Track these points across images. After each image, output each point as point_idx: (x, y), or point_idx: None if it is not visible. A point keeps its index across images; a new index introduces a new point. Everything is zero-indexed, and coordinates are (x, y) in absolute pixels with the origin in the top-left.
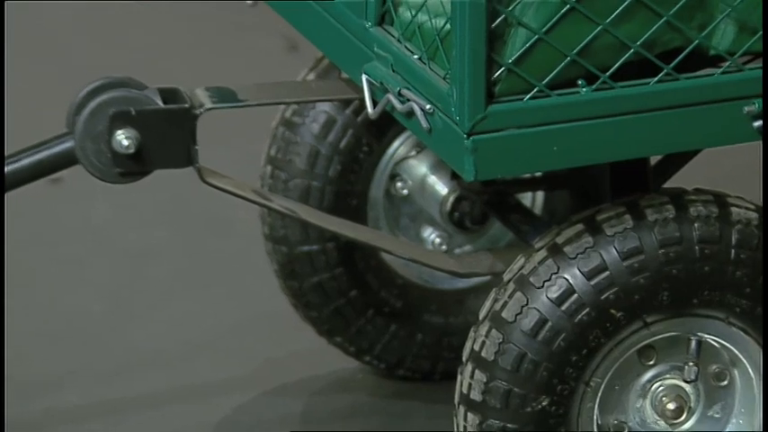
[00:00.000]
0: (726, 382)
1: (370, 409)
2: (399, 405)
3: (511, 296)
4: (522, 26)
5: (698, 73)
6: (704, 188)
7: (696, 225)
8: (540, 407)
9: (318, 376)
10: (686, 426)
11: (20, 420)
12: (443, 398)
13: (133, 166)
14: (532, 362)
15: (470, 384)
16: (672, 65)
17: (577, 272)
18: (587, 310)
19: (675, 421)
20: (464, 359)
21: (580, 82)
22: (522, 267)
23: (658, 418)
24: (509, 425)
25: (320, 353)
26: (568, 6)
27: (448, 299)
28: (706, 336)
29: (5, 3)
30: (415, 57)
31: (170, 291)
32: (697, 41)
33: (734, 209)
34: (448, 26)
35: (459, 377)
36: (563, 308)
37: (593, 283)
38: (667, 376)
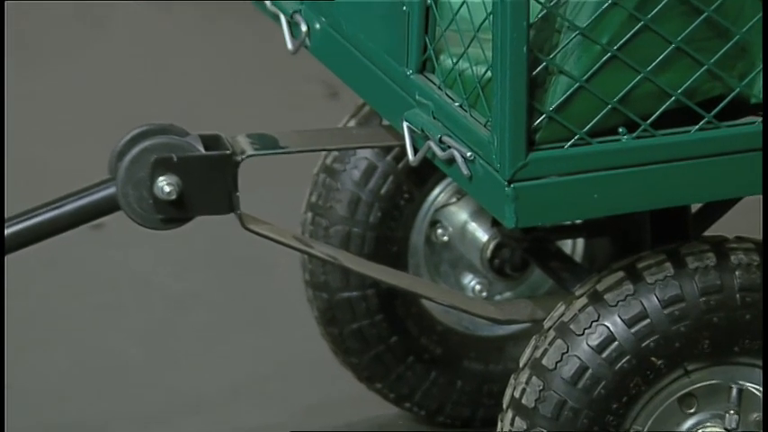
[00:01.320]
0: None
1: None
2: None
3: (551, 343)
4: (563, 74)
5: (739, 121)
6: (745, 236)
7: (737, 273)
8: None
9: (358, 422)
10: None
11: None
12: None
13: (174, 213)
14: (573, 409)
15: None
16: (713, 113)
17: (618, 319)
18: (628, 357)
19: None
20: (504, 406)
21: (621, 130)
22: (562, 315)
23: None
24: None
25: (360, 399)
26: (609, 54)
27: (488, 346)
28: (747, 384)
29: (5, 3)
30: (456, 104)
31: (210, 336)
32: (738, 90)
33: None
34: (489, 74)
35: (499, 424)
36: (603, 355)
37: (633, 330)
38: (708, 424)
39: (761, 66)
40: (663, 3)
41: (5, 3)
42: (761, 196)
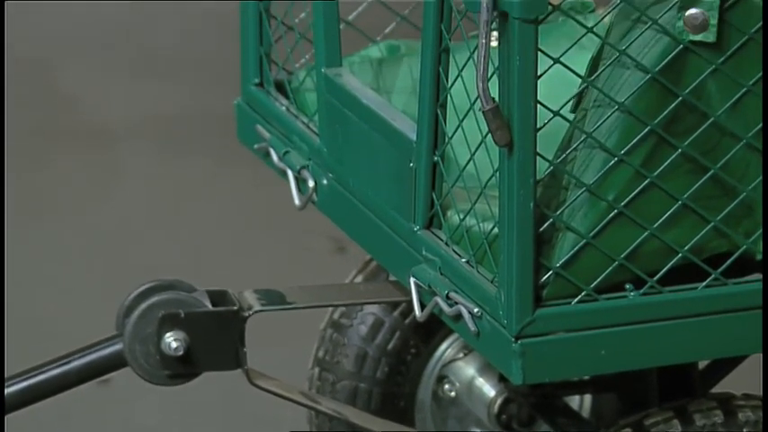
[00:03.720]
0: None
1: None
2: None
3: None
4: (571, 230)
5: (746, 278)
6: (752, 393)
7: (745, 431)
8: None
9: None
10: None
11: None
12: None
13: (181, 369)
14: None
15: None
16: (719, 270)
17: None
18: None
19: None
20: None
21: (628, 286)
22: None
23: None
24: None
25: None
26: (616, 211)
27: None
28: None
29: (5, 3)
30: (463, 260)
31: None
32: (744, 247)
33: None
34: (496, 230)
35: None
36: None
37: None
38: None
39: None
40: (669, 160)
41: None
42: None
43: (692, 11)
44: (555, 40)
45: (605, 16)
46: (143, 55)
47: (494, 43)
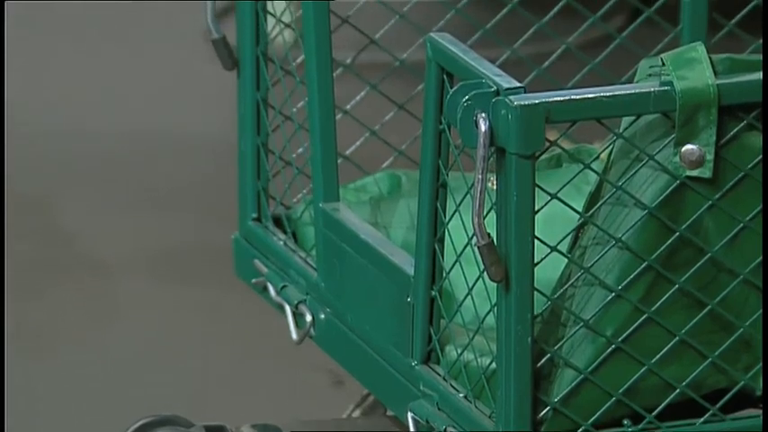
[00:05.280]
0: None
1: None
2: None
3: None
4: (569, 366)
5: (744, 413)
6: None
7: None
8: None
9: None
10: None
11: None
12: None
13: None
14: None
15: None
16: (717, 406)
17: None
18: None
19: None
20: None
21: (625, 422)
22: None
23: None
24: None
25: None
26: (614, 347)
27: None
28: None
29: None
30: (461, 395)
31: None
32: (743, 383)
33: None
34: (494, 365)
35: None
36: None
37: None
38: None
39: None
40: (666, 295)
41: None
42: None
43: (689, 147)
44: (554, 182)
45: (602, 152)
46: (142, 188)
47: (492, 185)
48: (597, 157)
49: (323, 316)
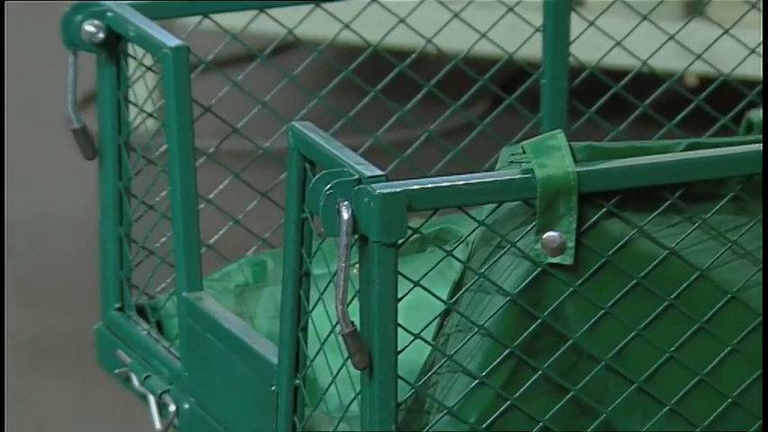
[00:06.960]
0: None
1: None
2: None
3: None
4: None
5: None
6: None
7: None
8: None
9: None
10: None
11: None
12: None
13: None
14: None
15: None
16: None
17: None
18: None
19: None
20: None
21: None
22: None
23: None
24: None
25: None
26: None
27: None
28: None
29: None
30: None
31: None
32: None
33: None
34: None
35: None
36: None
37: None
38: None
39: None
40: (530, 382)
41: None
42: None
43: (550, 234)
44: (418, 266)
45: (465, 239)
46: (8, 277)
47: (357, 271)
48: (463, 241)
49: (187, 406)
